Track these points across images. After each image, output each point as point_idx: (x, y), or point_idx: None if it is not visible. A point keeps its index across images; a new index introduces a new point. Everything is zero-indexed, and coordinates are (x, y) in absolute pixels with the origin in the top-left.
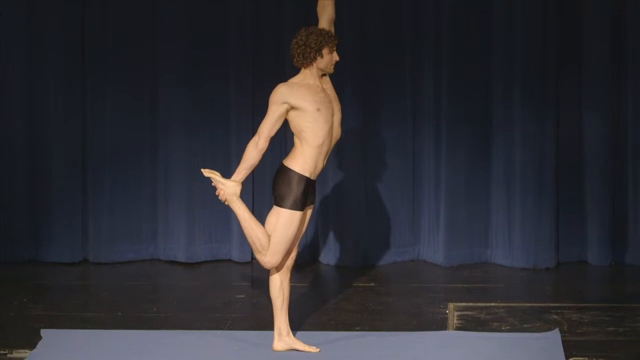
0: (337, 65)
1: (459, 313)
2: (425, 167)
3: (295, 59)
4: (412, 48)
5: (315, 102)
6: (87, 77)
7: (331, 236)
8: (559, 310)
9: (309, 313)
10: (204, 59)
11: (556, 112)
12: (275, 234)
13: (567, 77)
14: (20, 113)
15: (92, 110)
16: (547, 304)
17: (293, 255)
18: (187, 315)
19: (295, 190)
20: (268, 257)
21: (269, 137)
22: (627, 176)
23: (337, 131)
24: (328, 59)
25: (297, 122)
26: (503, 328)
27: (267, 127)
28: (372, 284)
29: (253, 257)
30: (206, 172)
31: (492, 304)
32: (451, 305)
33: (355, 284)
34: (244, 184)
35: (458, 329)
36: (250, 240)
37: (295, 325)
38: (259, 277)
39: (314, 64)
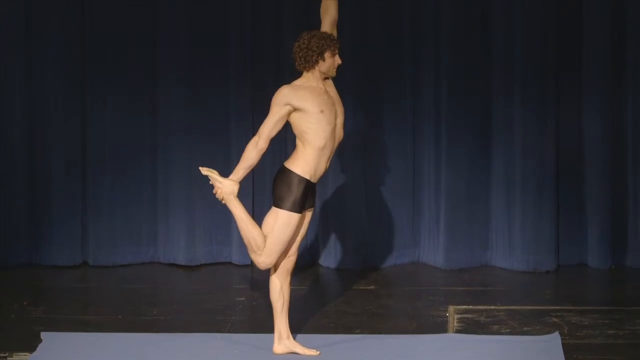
0: (337, 66)
1: (459, 316)
2: (425, 169)
3: (297, 62)
4: (412, 48)
5: (318, 104)
6: (87, 77)
7: (331, 239)
8: (559, 313)
9: (309, 316)
10: (204, 59)
11: (556, 112)
12: (272, 234)
13: (567, 77)
14: (20, 113)
15: (92, 110)
16: (547, 307)
17: (293, 258)
18: (187, 318)
19: (294, 192)
20: (263, 258)
21: (269, 138)
22: (627, 179)
23: (339, 133)
24: (330, 62)
25: (300, 123)
26: (503, 331)
27: (268, 128)
28: (373, 287)
29: None
30: (204, 170)
31: (492, 307)
32: (451, 308)
33: (355, 287)
34: (243, 185)
35: (458, 331)
36: (245, 239)
37: (296, 328)
38: (259, 280)
39: (316, 67)
